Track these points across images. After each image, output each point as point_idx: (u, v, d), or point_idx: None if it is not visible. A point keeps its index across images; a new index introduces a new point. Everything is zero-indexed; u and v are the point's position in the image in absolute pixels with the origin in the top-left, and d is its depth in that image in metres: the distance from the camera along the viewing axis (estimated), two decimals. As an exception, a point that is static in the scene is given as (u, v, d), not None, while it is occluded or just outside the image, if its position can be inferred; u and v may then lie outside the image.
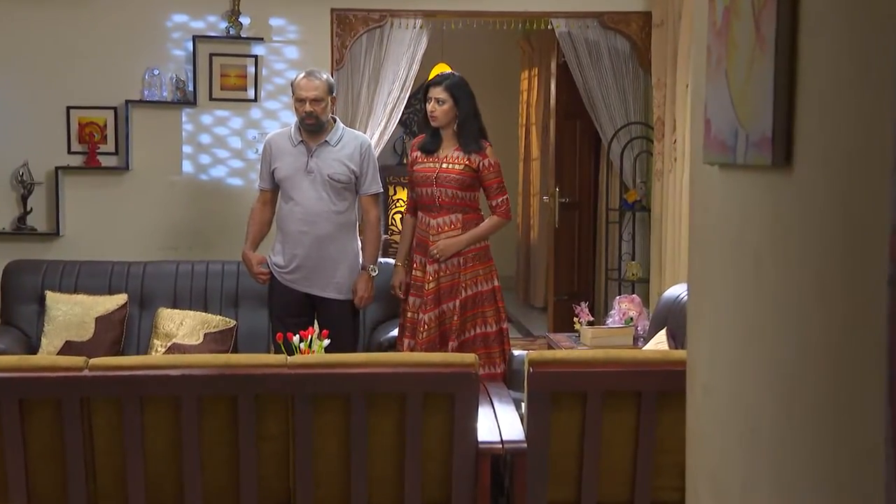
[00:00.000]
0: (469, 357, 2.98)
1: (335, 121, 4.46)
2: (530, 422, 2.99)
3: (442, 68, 7.46)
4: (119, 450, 2.85)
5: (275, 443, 2.89)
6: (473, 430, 2.96)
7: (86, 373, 2.82)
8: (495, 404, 3.35)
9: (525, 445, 2.99)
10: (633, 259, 6.06)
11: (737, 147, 1.35)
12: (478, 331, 4.47)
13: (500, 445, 3.01)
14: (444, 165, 4.46)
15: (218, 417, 2.87)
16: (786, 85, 1.22)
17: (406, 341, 4.50)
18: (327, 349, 3.74)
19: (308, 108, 4.30)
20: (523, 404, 3.86)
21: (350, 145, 4.41)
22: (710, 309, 1.50)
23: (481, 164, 4.44)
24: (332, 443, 2.90)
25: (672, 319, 4.20)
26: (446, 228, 4.45)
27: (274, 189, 4.52)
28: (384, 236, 6.81)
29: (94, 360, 2.85)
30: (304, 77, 4.35)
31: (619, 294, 5.98)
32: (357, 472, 2.89)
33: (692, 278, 1.61)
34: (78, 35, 5.59)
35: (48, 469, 2.85)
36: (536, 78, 8.41)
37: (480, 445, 2.96)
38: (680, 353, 3.08)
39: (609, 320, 5.11)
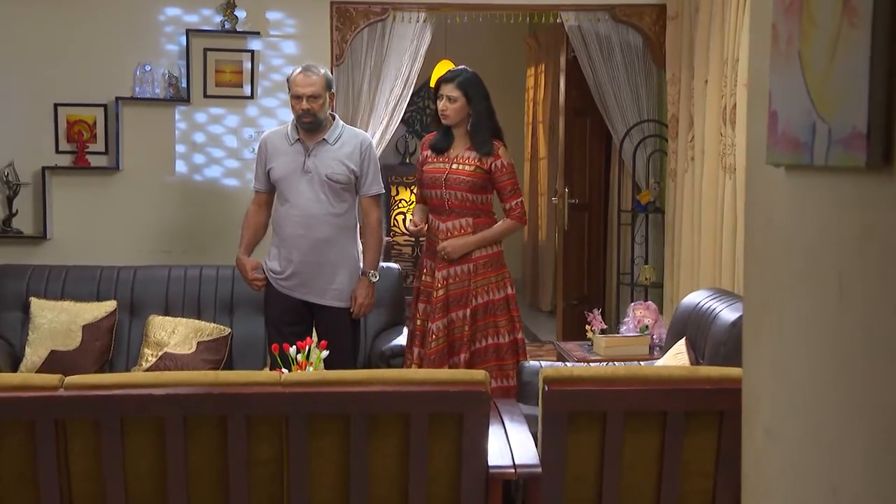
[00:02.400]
0: (478, 374, 2.75)
1: (334, 118, 4.24)
2: (545, 444, 2.77)
3: (446, 65, 7.25)
4: (98, 476, 2.63)
5: (268, 467, 2.68)
6: (483, 453, 2.73)
7: (61, 392, 2.60)
8: (506, 424, 3.11)
9: (539, 470, 2.76)
10: (646, 263, 5.82)
11: (814, 145, 1.11)
12: (489, 341, 4.25)
13: (513, 469, 2.78)
14: (454, 166, 4.24)
15: (205, 440, 2.65)
16: (886, 66, 0.98)
17: (416, 350, 4.29)
18: (326, 360, 3.51)
19: (305, 105, 4.08)
20: (537, 419, 3.64)
21: (350, 144, 4.19)
22: (774, 338, 1.26)
23: (493, 165, 4.21)
24: (329, 467, 2.68)
25: (692, 328, 3.98)
26: (456, 233, 4.23)
27: (270, 190, 4.31)
28: (386, 239, 6.59)
29: (70, 379, 2.63)
30: (300, 72, 4.13)
31: (632, 299, 5.75)
32: (357, 499, 2.67)
33: (749, 300, 1.37)
34: (66, 29, 5.38)
35: (20, 496, 2.63)
36: (543, 75, 8.20)
37: (491, 470, 2.74)
38: (708, 370, 2.86)
39: (623, 328, 4.87)
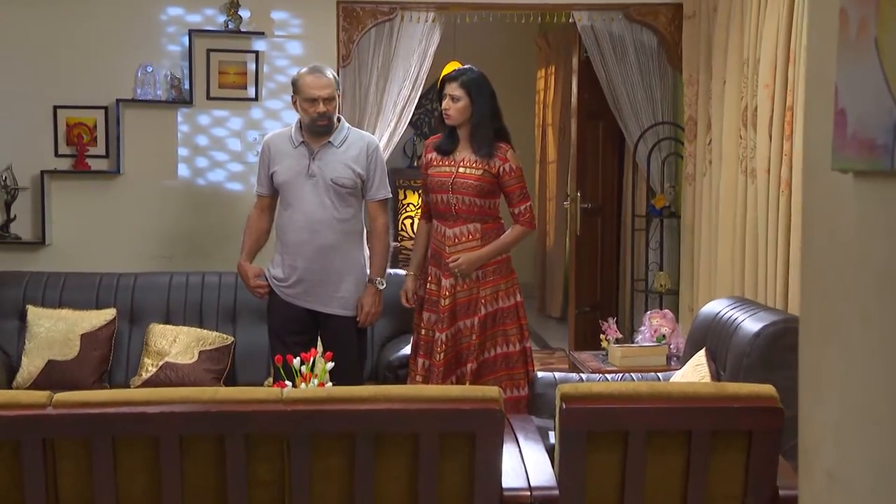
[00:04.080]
0: (492, 391, 2.59)
1: (339, 120, 4.09)
2: (563, 465, 2.61)
3: (454, 66, 7.09)
4: (88, 498, 2.48)
5: (268, 489, 2.53)
6: (497, 475, 2.58)
7: (49, 410, 2.45)
8: (521, 442, 2.96)
9: (557, 492, 2.61)
10: (660, 269, 5.66)
11: (895, 147, 0.96)
12: (499, 350, 4.10)
13: (528, 492, 2.63)
14: (461, 170, 4.08)
15: (203, 461, 2.51)
16: None
17: (420, 360, 4.14)
18: (332, 371, 3.36)
19: (322, 108, 3.93)
20: (550, 433, 3.49)
21: (356, 146, 4.04)
22: (841, 370, 1.10)
23: (502, 168, 4.06)
24: (333, 489, 2.54)
25: (712, 339, 3.83)
26: (464, 239, 4.08)
27: (273, 194, 4.17)
28: (393, 244, 6.44)
29: (59, 396, 2.48)
30: (313, 74, 3.96)
31: (646, 306, 5.60)
32: (363, 523, 2.52)
33: (807, 325, 1.21)
34: (66, 29, 5.26)
35: (6, 521, 2.49)
36: (554, 76, 8.06)
37: (505, 492, 2.59)
38: (736, 387, 2.70)
39: (639, 337, 4.71)
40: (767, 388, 2.57)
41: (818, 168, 1.14)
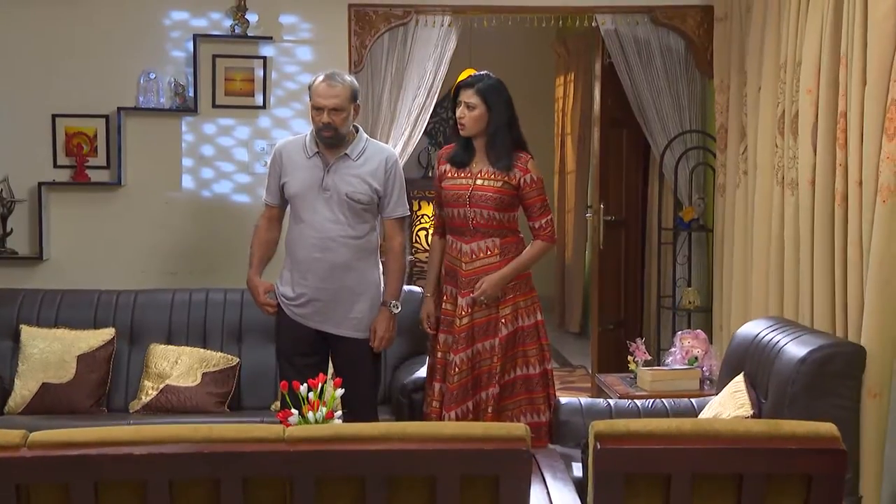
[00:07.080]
0: (518, 428, 2.34)
1: (357, 131, 3.85)
2: (597, 511, 2.34)
3: (470, 74, 6.85)
4: (68, 549, 2.23)
5: (269, 539, 2.28)
6: (524, 522, 2.32)
7: (24, 452, 2.22)
8: (548, 482, 2.71)
9: (590, 542, 2.34)
10: (688, 285, 5.39)
11: None
12: (518, 372, 3.89)
13: (558, 541, 2.37)
14: (479, 182, 3.86)
15: (195, 507, 2.26)
16: None
17: (437, 385, 3.94)
18: (345, 397, 3.11)
19: (326, 118, 3.71)
20: (574, 465, 3.24)
21: (374, 160, 3.81)
22: None
23: (522, 179, 3.84)
24: (342, 539, 2.28)
25: (751, 363, 3.58)
26: (481, 255, 3.86)
27: (283, 205, 3.99)
28: (409, 257, 6.21)
29: (35, 436, 2.24)
30: (322, 81, 3.75)
31: (673, 323, 5.34)
32: (374, 576, 2.26)
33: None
34: (65, 35, 5.09)
35: (-23, 574, 2.24)
36: (573, 84, 7.84)
37: (533, 542, 2.32)
38: (793, 426, 2.43)
39: (669, 359, 4.45)
40: (828, 427, 2.30)
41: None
